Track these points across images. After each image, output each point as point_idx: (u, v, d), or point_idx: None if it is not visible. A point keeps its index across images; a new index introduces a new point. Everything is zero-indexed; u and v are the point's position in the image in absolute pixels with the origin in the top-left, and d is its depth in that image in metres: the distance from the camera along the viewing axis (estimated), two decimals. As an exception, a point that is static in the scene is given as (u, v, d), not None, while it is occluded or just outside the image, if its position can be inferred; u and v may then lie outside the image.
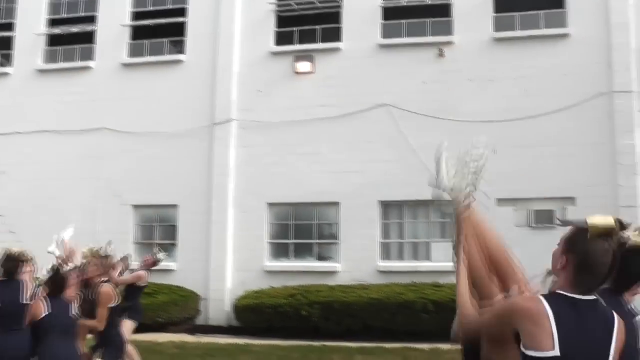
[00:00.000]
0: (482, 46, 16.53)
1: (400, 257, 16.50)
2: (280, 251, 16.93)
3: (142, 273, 11.12)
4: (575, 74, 15.74)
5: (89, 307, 7.29)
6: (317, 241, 16.89)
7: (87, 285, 7.65)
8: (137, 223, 17.63)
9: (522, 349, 2.91)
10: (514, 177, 15.32)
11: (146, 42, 18.59)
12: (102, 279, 8.08)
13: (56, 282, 6.62)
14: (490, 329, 3.20)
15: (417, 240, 16.53)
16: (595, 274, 2.94)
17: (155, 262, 11.46)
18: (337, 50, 17.18)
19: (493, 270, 3.82)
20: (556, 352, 2.82)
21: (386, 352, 12.50)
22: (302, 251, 16.90)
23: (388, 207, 16.61)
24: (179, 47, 18.49)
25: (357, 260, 16.10)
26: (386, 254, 16.48)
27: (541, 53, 16.18)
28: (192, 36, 18.05)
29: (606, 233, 2.95)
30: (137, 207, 17.62)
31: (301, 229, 16.92)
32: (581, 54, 15.91)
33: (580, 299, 2.94)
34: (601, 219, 2.98)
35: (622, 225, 3.01)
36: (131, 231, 17.30)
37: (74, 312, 6.61)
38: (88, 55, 18.76)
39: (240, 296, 15.77)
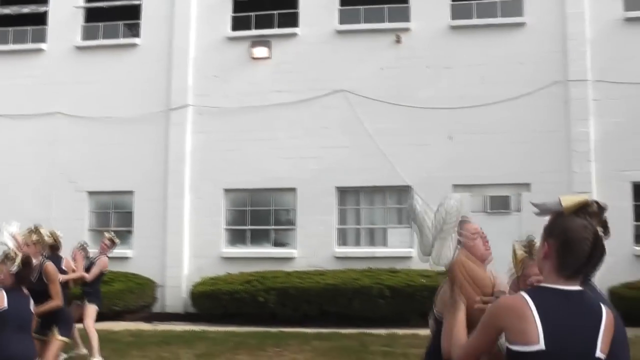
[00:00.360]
0: (439, 33, 16.61)
1: (357, 243, 16.58)
2: (236, 237, 16.90)
3: (105, 259, 11.11)
4: (531, 62, 15.94)
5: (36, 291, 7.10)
6: (274, 227, 16.88)
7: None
8: (92, 209, 17.43)
9: (507, 344, 2.89)
10: (470, 163, 15.53)
11: (100, 24, 18.31)
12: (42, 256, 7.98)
13: (23, 274, 6.51)
14: (483, 344, 3.10)
15: (373, 226, 16.62)
16: (577, 252, 2.90)
17: (113, 243, 11.36)
18: (293, 35, 17.13)
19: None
20: (541, 345, 2.79)
21: (342, 337, 12.56)
22: (258, 237, 16.88)
23: (344, 193, 16.66)
24: (133, 31, 18.27)
25: (314, 246, 16.15)
26: (342, 239, 16.55)
27: (497, 41, 16.34)
28: (147, 19, 17.84)
29: (580, 208, 2.96)
30: (92, 193, 17.42)
31: (258, 215, 16.90)
32: (537, 42, 16.11)
33: (566, 290, 2.89)
34: (573, 196, 3.01)
35: (599, 206, 3.01)
36: (86, 218, 17.13)
37: (31, 306, 6.52)
38: (40, 37, 18.44)
39: (196, 283, 15.74)
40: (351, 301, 14.34)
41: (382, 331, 13.14)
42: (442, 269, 3.75)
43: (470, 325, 3.50)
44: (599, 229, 2.95)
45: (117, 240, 11.47)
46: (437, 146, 16.02)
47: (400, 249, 16.12)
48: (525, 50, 16.08)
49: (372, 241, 16.56)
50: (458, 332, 3.47)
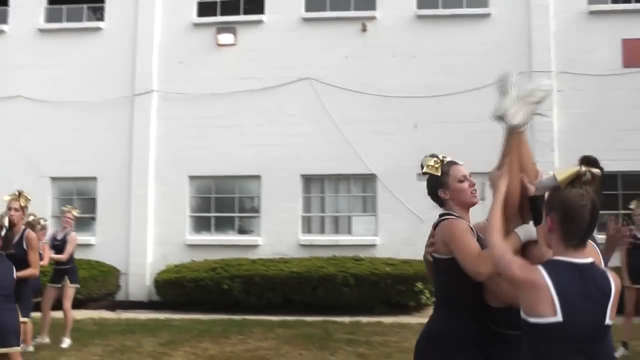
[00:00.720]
0: (405, 22, 16.65)
1: (322, 231, 16.63)
2: (201, 224, 16.86)
3: (75, 235, 11.24)
4: (496, 53, 16.02)
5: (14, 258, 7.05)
6: (239, 214, 16.87)
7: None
8: (55, 196, 17.23)
9: (524, 316, 3.02)
10: (435, 151, 15.47)
11: (64, 7, 18.07)
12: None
13: (8, 238, 6.47)
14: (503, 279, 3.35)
15: (338, 214, 16.67)
16: (579, 219, 3.04)
17: (74, 215, 11.41)
18: (259, 22, 17.06)
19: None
20: (558, 317, 2.92)
21: (306, 325, 12.60)
22: (223, 224, 16.86)
23: (309, 181, 16.69)
24: (98, 14, 18.06)
25: (279, 234, 16.18)
26: (307, 227, 16.58)
27: (463, 31, 16.43)
28: (112, 3, 17.64)
29: (575, 179, 3.09)
30: (54, 179, 17.24)
31: (222, 202, 16.87)
32: (502, 33, 16.25)
33: (578, 263, 3.03)
34: (566, 169, 3.14)
35: (593, 174, 3.13)
36: (49, 204, 16.90)
37: (15, 273, 6.50)
38: (1, 19, 18.12)
39: (160, 270, 15.65)
40: (316, 289, 14.38)
41: (346, 319, 13.21)
42: (511, 123, 3.98)
43: (507, 206, 3.79)
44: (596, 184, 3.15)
45: (78, 212, 11.59)
46: (403, 135, 16.09)
47: (365, 237, 16.22)
48: (491, 40, 16.20)
49: (336, 229, 16.60)
50: (494, 216, 3.62)
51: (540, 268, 3.00)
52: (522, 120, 4.03)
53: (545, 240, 3.32)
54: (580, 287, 2.97)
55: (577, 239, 3.05)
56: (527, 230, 3.87)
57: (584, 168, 3.12)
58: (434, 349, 4.05)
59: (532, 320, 2.98)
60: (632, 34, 16.08)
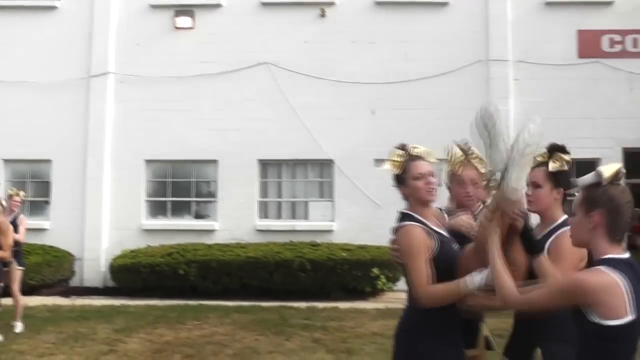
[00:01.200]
0: (363, 8, 16.65)
1: (278, 216, 16.64)
2: (157, 209, 16.74)
3: (23, 217, 11.21)
4: (455, 41, 16.22)
5: None
6: (195, 199, 16.79)
7: None
8: (7, 178, 16.89)
9: (598, 320, 2.97)
10: (392, 138, 15.38)
11: (17, -17, 17.69)
12: None
13: None
14: (547, 304, 3.24)
15: (295, 199, 16.68)
16: (625, 215, 3.12)
17: (21, 198, 11.33)
18: (217, 6, 16.90)
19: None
20: (629, 316, 2.94)
21: (263, 310, 12.62)
22: (179, 209, 16.77)
23: (266, 166, 16.67)
24: (54, -8, 17.71)
25: (235, 219, 16.14)
26: (264, 212, 16.58)
27: (421, 19, 16.52)
28: (68, -20, 17.31)
29: (617, 176, 3.16)
30: (7, 161, 16.97)
31: (179, 186, 16.76)
32: (460, 22, 16.40)
33: (627, 259, 3.09)
34: (609, 166, 3.20)
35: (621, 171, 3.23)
36: (1, 186, 16.60)
37: None
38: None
39: (116, 256, 15.50)
40: (272, 274, 14.41)
41: (302, 304, 13.27)
42: (513, 195, 3.67)
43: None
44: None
45: (24, 195, 11.56)
46: (360, 121, 16.14)
47: (321, 222, 16.27)
48: (449, 29, 16.35)
49: (293, 214, 16.62)
50: (498, 274, 3.51)
51: (605, 269, 3.00)
52: (522, 187, 3.89)
53: (576, 239, 3.32)
54: (636, 283, 3.00)
55: (621, 234, 3.12)
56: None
57: (619, 166, 3.20)
58: (407, 337, 4.14)
59: (610, 323, 2.94)
60: (587, 26, 16.40)
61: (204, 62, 16.53)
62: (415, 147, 4.31)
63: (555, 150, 4.30)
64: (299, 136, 16.21)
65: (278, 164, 16.67)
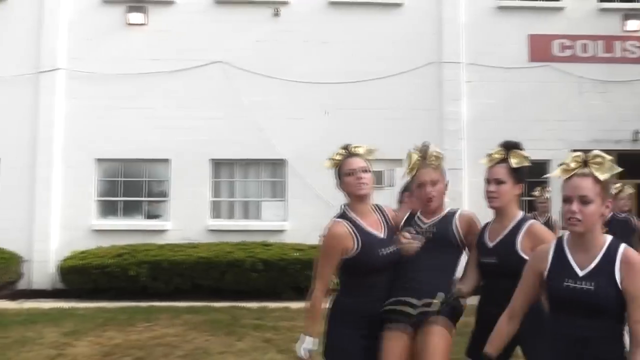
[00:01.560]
0: (317, 8, 16.66)
1: (231, 216, 16.57)
2: (108, 209, 16.51)
3: None
4: (408, 42, 16.38)
5: None
6: (147, 199, 16.61)
7: None
8: (-47, 177, 16.58)
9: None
10: (345, 138, 15.48)
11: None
12: None
13: None
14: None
15: (247, 198, 16.62)
16: None
17: None
18: (170, 3, 16.74)
19: None
20: None
21: (214, 311, 12.58)
22: (131, 209, 16.57)
23: (219, 165, 16.57)
24: (1, -15, 17.37)
25: (187, 219, 16.02)
26: (216, 212, 16.49)
27: (375, 19, 16.59)
28: (17, -26, 16.97)
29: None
30: (-47, 159, 16.62)
31: (130, 186, 16.56)
32: (414, 23, 16.55)
33: None
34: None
35: None
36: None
37: None
38: None
39: (65, 257, 15.23)
40: (224, 274, 14.34)
41: (254, 304, 13.25)
42: None
43: None
44: None
45: None
46: (313, 120, 16.16)
47: (274, 222, 16.25)
48: (402, 30, 16.50)
49: (246, 214, 16.57)
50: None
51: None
52: None
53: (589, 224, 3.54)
54: None
55: None
56: None
57: None
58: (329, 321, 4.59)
59: None
60: (538, 30, 16.75)
61: (157, 59, 16.38)
62: (357, 147, 4.65)
63: (511, 147, 4.46)
64: (252, 136, 16.16)
65: (230, 163, 16.59)
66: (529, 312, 3.75)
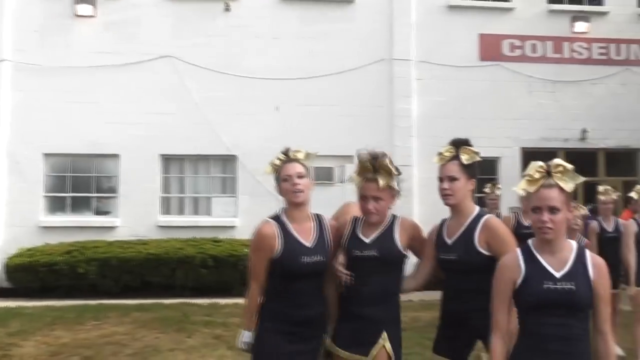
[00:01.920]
0: (269, 3, 16.61)
1: (181, 212, 16.45)
2: (56, 205, 16.22)
3: None
4: (360, 39, 16.49)
5: None
6: (96, 195, 16.39)
7: None
8: None
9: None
10: (296, 134, 15.67)
11: None
12: None
13: None
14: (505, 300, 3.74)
15: (197, 194, 16.52)
16: None
17: None
18: (120, -5, 16.55)
19: None
20: None
21: (164, 308, 12.53)
22: (79, 205, 16.32)
23: (169, 161, 16.45)
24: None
25: (137, 215, 15.83)
26: (166, 208, 16.36)
27: (327, 16, 16.66)
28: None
29: None
30: None
31: (79, 181, 16.32)
32: (366, 21, 16.66)
33: None
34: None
35: None
36: None
37: None
38: None
39: (12, 254, 14.93)
40: (174, 271, 14.27)
41: (204, 301, 13.24)
42: None
43: None
44: None
45: None
46: (264, 116, 16.12)
47: (224, 218, 16.17)
48: (354, 27, 16.61)
49: (196, 210, 16.48)
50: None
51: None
52: None
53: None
54: None
55: None
56: None
57: None
58: None
59: None
60: (488, 30, 16.99)
61: (106, 52, 16.14)
62: (297, 151, 4.63)
63: (460, 144, 4.54)
64: (202, 131, 16.06)
65: (181, 159, 16.47)
66: (488, 310, 3.83)
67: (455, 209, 4.57)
